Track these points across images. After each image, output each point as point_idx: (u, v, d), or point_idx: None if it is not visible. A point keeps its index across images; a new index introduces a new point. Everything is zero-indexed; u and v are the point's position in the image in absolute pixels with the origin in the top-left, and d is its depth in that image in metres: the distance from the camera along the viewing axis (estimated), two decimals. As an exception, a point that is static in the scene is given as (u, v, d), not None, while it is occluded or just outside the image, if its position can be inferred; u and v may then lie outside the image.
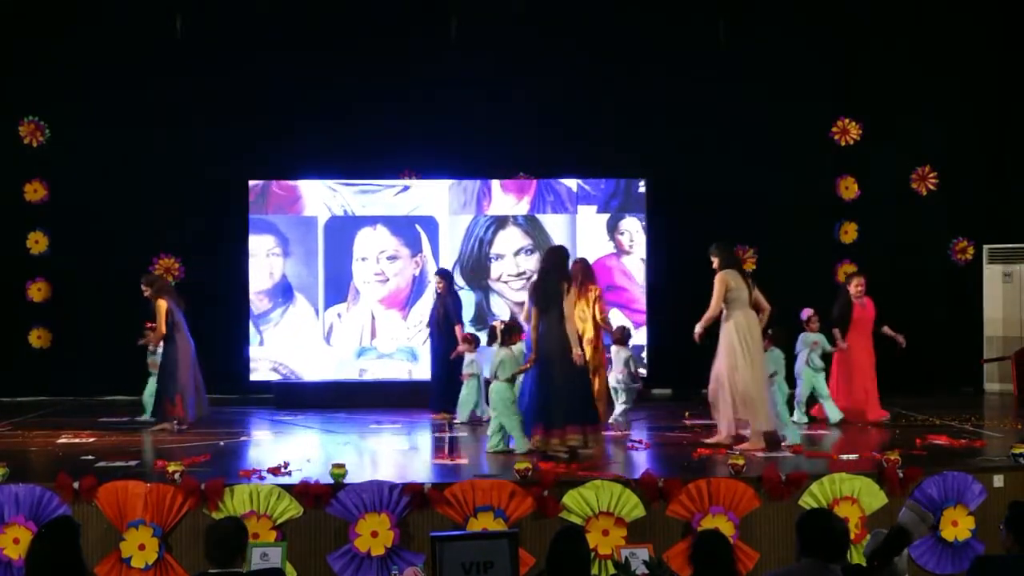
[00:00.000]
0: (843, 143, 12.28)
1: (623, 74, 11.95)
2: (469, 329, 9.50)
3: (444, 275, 8.77)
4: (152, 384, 9.94)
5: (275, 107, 11.69)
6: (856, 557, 6.13)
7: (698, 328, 8.37)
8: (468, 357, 9.05)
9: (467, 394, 9.27)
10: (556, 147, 11.82)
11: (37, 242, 11.73)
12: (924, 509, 5.07)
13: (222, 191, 11.73)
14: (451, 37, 11.85)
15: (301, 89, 11.73)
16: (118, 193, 11.66)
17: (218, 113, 11.70)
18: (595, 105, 11.86)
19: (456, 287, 8.74)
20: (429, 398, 9.85)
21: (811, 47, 12.05)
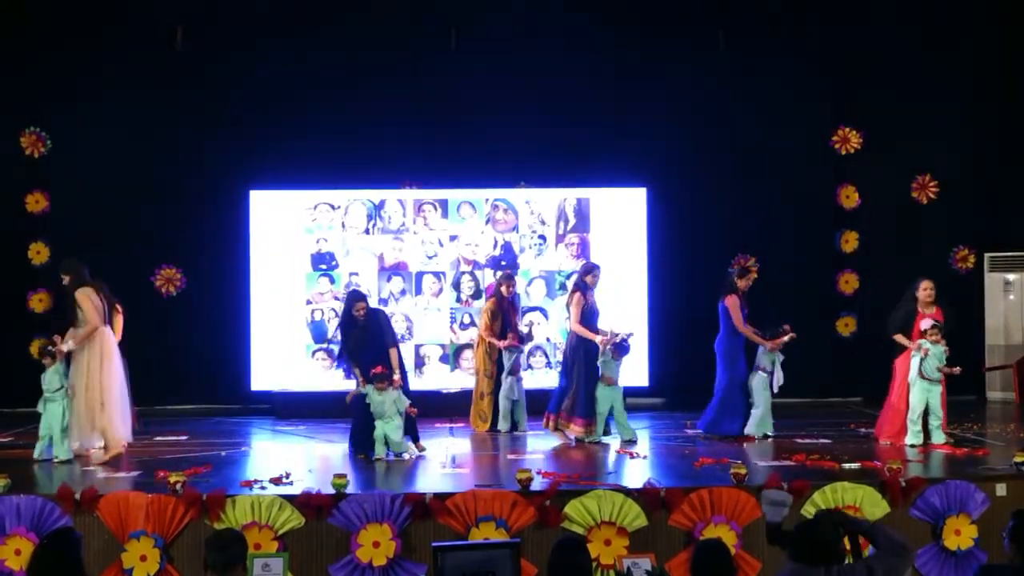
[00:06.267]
0: (844, 152, 12.29)
1: (623, 84, 11.97)
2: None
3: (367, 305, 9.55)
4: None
5: (275, 117, 11.71)
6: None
7: (70, 344, 8.57)
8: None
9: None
10: (556, 157, 11.85)
11: (39, 253, 11.74)
12: (775, 494, 5.06)
13: (223, 201, 11.77)
14: (451, 48, 11.88)
15: (301, 100, 11.76)
16: (119, 204, 11.67)
17: (218, 124, 11.73)
18: (595, 115, 11.88)
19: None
20: None
21: (811, 56, 12.06)
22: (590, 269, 9.70)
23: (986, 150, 12.32)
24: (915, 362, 8.96)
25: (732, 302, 9.48)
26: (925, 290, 9.18)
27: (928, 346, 8.92)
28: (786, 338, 9.48)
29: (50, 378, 8.57)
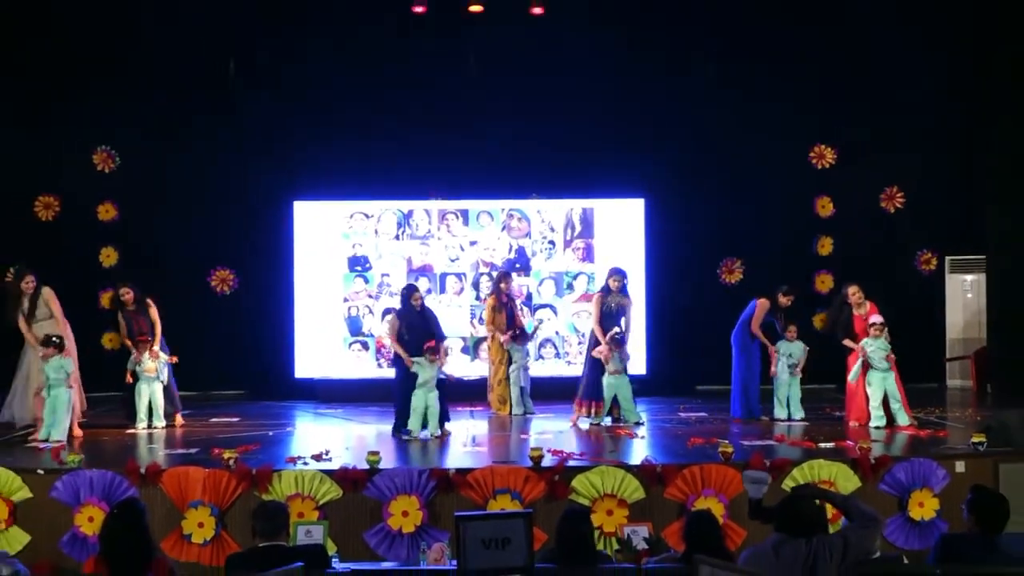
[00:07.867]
0: (820, 166, 12.25)
1: (624, 106, 11.91)
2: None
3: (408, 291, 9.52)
4: (147, 387, 9.34)
5: (316, 138, 11.75)
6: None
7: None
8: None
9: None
10: (564, 171, 11.82)
11: (108, 256, 11.82)
12: (755, 473, 5.00)
13: (271, 211, 11.82)
14: (471, 76, 11.86)
15: (339, 122, 11.76)
16: (179, 213, 11.72)
17: (266, 143, 11.77)
18: (598, 134, 11.84)
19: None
20: None
21: (791, 83, 11.99)
22: (613, 273, 9.67)
23: (948, 165, 12.25)
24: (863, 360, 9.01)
25: (763, 305, 9.50)
26: (854, 295, 9.27)
27: (870, 345, 8.95)
28: (774, 368, 9.50)
29: (55, 367, 8.65)
